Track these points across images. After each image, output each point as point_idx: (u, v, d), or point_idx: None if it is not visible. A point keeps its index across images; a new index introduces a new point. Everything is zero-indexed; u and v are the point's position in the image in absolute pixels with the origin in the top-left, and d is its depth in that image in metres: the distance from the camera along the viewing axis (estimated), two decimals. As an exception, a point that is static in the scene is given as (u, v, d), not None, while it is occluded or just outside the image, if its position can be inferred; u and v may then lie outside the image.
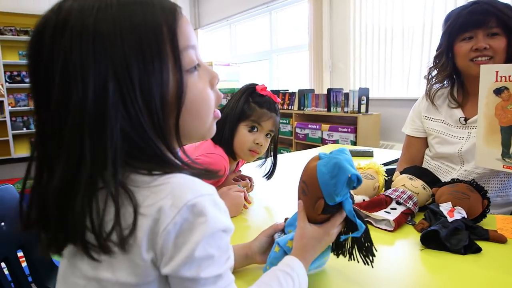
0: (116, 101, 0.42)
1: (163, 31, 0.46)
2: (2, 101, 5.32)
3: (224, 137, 1.19)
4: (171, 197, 0.42)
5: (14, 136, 5.49)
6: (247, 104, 1.19)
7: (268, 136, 1.25)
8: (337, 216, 0.66)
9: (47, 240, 0.47)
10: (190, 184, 0.44)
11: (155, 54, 0.45)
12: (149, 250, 0.42)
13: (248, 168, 1.50)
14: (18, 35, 5.48)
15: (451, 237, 0.82)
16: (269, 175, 1.33)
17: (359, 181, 0.60)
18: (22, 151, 5.53)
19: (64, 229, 0.44)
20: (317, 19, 4.29)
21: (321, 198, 0.63)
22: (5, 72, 5.38)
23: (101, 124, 0.42)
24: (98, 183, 0.42)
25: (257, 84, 1.25)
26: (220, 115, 0.58)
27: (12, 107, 5.52)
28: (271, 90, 1.24)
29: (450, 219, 0.87)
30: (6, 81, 5.38)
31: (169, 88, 0.46)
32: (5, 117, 5.36)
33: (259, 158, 1.31)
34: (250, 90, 1.23)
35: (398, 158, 1.94)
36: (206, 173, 0.50)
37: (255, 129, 1.21)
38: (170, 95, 0.47)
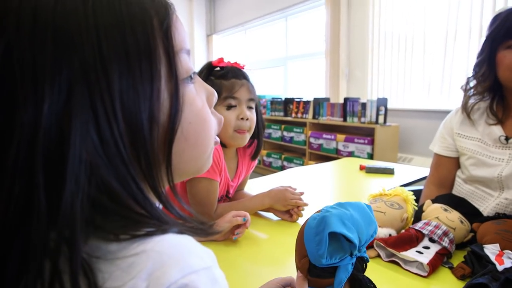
0: (84, 116, 0.29)
1: (154, 25, 0.34)
2: None
3: None
4: (147, 276, 0.27)
5: None
6: (210, 83, 1.02)
7: (251, 108, 1.11)
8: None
9: None
10: (177, 254, 0.29)
11: (143, 55, 0.32)
12: None
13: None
14: None
15: (503, 293, 0.66)
16: (254, 154, 1.22)
17: (351, 243, 0.48)
18: None
19: None
20: (335, 25, 4.15)
21: (306, 257, 0.52)
22: None
23: (58, 156, 0.28)
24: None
25: (211, 61, 1.11)
26: (219, 140, 0.45)
27: None
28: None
29: (499, 267, 0.71)
30: None
31: (161, 103, 0.34)
32: None
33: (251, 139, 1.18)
34: (208, 69, 1.10)
35: (422, 178, 1.79)
36: (200, 228, 0.36)
37: (233, 106, 1.07)
38: (162, 113, 0.34)
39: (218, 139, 0.45)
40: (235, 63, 1.11)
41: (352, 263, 0.51)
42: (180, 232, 0.32)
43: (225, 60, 1.11)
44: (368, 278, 0.55)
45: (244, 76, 1.10)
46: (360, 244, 0.51)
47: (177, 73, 0.35)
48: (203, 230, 0.36)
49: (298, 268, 0.55)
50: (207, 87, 0.42)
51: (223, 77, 1.07)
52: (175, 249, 0.29)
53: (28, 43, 0.28)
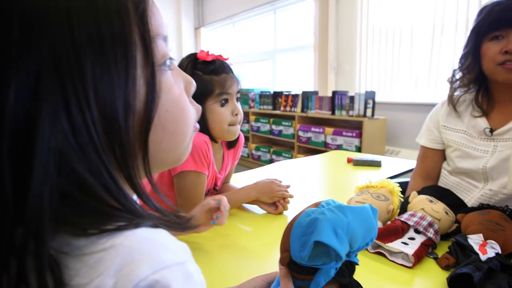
0: (54, 107, 0.27)
1: (129, 9, 0.32)
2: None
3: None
4: (115, 273, 0.26)
5: None
6: (198, 78, 1.00)
7: (237, 100, 1.11)
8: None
9: None
10: (148, 249, 0.28)
11: (117, 40, 0.31)
12: None
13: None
14: None
15: (486, 282, 0.66)
16: (231, 142, 1.20)
17: (338, 257, 0.45)
18: None
19: None
20: (323, 19, 4.14)
21: (288, 251, 0.49)
22: None
23: (25, 145, 0.26)
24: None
25: (195, 53, 1.08)
26: (198, 127, 0.44)
27: None
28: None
29: (483, 257, 0.72)
30: None
31: (137, 90, 0.32)
32: None
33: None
34: (193, 62, 1.06)
35: (408, 170, 1.80)
36: (176, 222, 0.35)
37: (226, 101, 1.06)
38: (138, 101, 0.33)
39: (197, 126, 0.44)
40: (219, 55, 1.08)
41: (336, 268, 0.49)
42: (154, 226, 0.31)
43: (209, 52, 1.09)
44: (356, 282, 0.52)
45: (230, 69, 1.09)
46: (351, 250, 0.48)
47: (154, 60, 0.34)
48: (179, 224, 0.35)
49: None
50: (185, 76, 0.41)
51: (214, 73, 1.04)
52: (146, 244, 0.28)
53: None
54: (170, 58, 0.38)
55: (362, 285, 0.53)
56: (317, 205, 0.50)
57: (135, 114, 0.32)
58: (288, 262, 0.50)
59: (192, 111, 0.41)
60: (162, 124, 0.35)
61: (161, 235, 0.30)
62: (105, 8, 0.30)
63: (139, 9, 0.33)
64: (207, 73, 1.04)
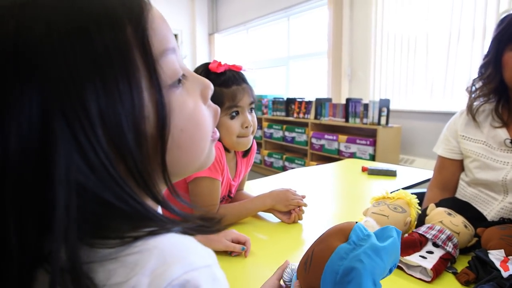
0: (67, 149, 0.28)
1: (127, 33, 0.31)
2: None
3: None
4: (150, 273, 0.28)
5: None
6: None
7: (252, 110, 1.10)
8: None
9: None
10: (179, 252, 0.30)
11: (118, 69, 0.30)
12: None
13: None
14: None
15: (508, 300, 0.64)
16: (246, 151, 1.20)
17: None
18: None
19: None
20: (337, 25, 4.13)
21: None
22: None
23: (45, 186, 0.27)
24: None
25: (208, 63, 1.06)
26: (219, 135, 0.44)
27: None
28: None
29: (504, 274, 0.70)
30: None
31: (146, 115, 0.32)
32: None
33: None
34: (205, 73, 1.04)
35: (424, 181, 1.78)
36: (205, 225, 0.36)
37: (237, 113, 1.06)
38: (149, 126, 0.32)
39: (217, 134, 0.43)
40: (233, 65, 1.07)
41: None
42: (182, 232, 0.32)
43: (222, 61, 1.07)
44: None
45: (243, 79, 1.08)
46: None
47: (160, 81, 0.33)
48: (207, 227, 0.36)
49: (298, 277, 0.53)
50: (202, 80, 0.40)
51: (224, 85, 1.03)
52: (176, 248, 0.30)
53: None
54: (183, 75, 0.37)
55: None
56: (344, 233, 0.47)
57: (148, 140, 0.32)
58: None
59: (208, 121, 0.40)
60: (177, 144, 0.35)
61: (188, 240, 0.31)
62: (99, 30, 0.30)
63: (139, 31, 0.32)
64: (218, 85, 1.02)
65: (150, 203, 0.33)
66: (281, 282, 0.61)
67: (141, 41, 0.32)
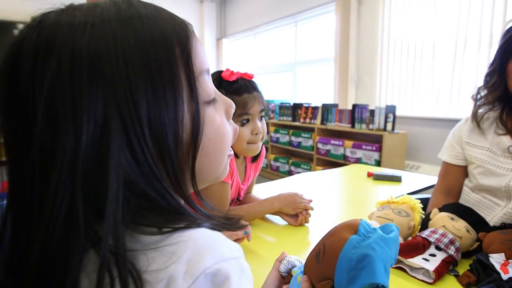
0: (120, 145, 0.33)
1: (176, 53, 0.37)
2: None
3: None
4: (186, 262, 0.32)
5: None
6: None
7: (262, 117, 1.13)
8: None
9: None
10: (210, 244, 0.34)
11: (167, 81, 0.36)
12: None
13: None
14: None
15: (507, 301, 0.67)
16: (255, 157, 1.24)
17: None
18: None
19: None
20: (344, 31, 4.16)
21: (331, 281, 0.49)
22: None
23: (99, 176, 0.32)
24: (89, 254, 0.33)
25: (221, 71, 1.10)
26: (233, 153, 0.49)
27: None
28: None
29: (504, 276, 0.72)
30: None
31: (184, 125, 0.38)
32: None
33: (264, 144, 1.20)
34: (218, 80, 1.08)
35: (429, 186, 1.80)
36: (227, 223, 0.41)
37: (248, 120, 1.09)
38: (185, 133, 0.38)
39: (232, 152, 0.48)
40: (245, 73, 1.10)
41: None
42: (211, 228, 0.36)
43: (234, 69, 1.10)
44: None
45: (254, 88, 1.10)
46: None
47: (198, 97, 0.39)
48: (230, 225, 0.41)
49: (306, 271, 0.56)
50: (226, 100, 0.46)
51: (236, 93, 1.06)
52: (208, 241, 0.34)
53: (68, 79, 0.32)
54: (214, 98, 0.42)
55: None
56: (353, 227, 0.51)
57: (183, 145, 0.38)
58: None
59: (230, 135, 0.45)
60: (204, 151, 0.40)
61: (218, 234, 0.35)
62: (154, 50, 0.35)
63: (185, 53, 0.38)
64: (230, 93, 1.05)
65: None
66: None
67: (186, 61, 0.38)
